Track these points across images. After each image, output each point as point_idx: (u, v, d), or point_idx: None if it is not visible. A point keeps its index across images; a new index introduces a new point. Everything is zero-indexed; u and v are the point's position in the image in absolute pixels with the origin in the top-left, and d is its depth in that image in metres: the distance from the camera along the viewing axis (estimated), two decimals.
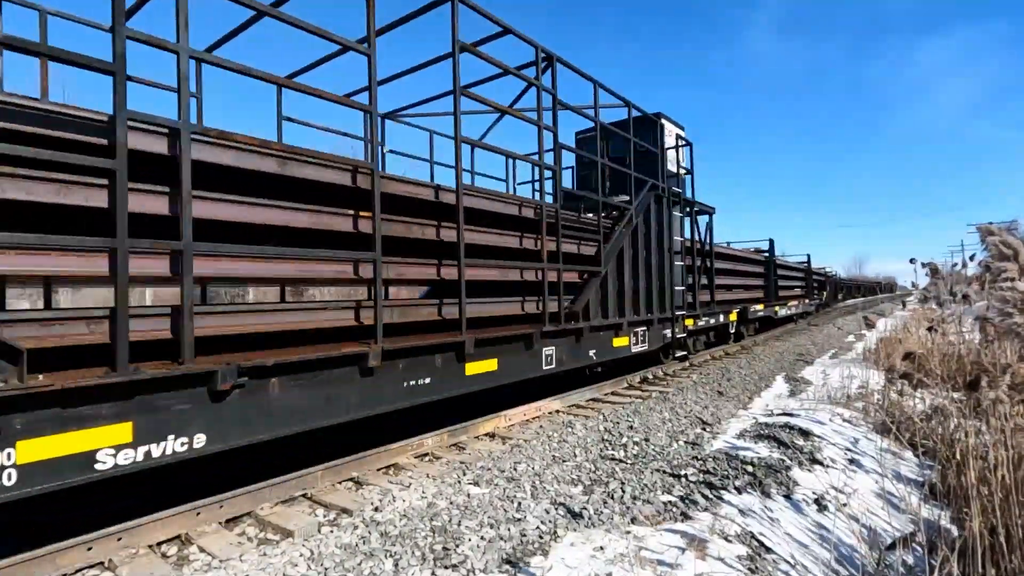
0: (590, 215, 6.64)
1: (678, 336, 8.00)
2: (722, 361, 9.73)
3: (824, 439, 4.32)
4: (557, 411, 5.88)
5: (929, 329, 5.13)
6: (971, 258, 4.92)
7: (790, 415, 5.11)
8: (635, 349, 6.87)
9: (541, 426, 5.21)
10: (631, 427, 4.92)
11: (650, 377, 7.84)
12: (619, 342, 6.49)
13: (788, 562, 2.48)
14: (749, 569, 2.34)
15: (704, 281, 9.49)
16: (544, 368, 5.18)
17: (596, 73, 6.35)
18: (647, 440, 4.46)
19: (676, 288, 7.84)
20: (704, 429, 4.84)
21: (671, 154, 8.89)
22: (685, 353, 8.84)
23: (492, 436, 4.92)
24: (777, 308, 14.24)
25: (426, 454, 4.35)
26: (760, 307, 12.60)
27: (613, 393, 6.83)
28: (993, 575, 2.10)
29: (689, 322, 8.48)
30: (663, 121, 8.58)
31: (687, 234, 8.96)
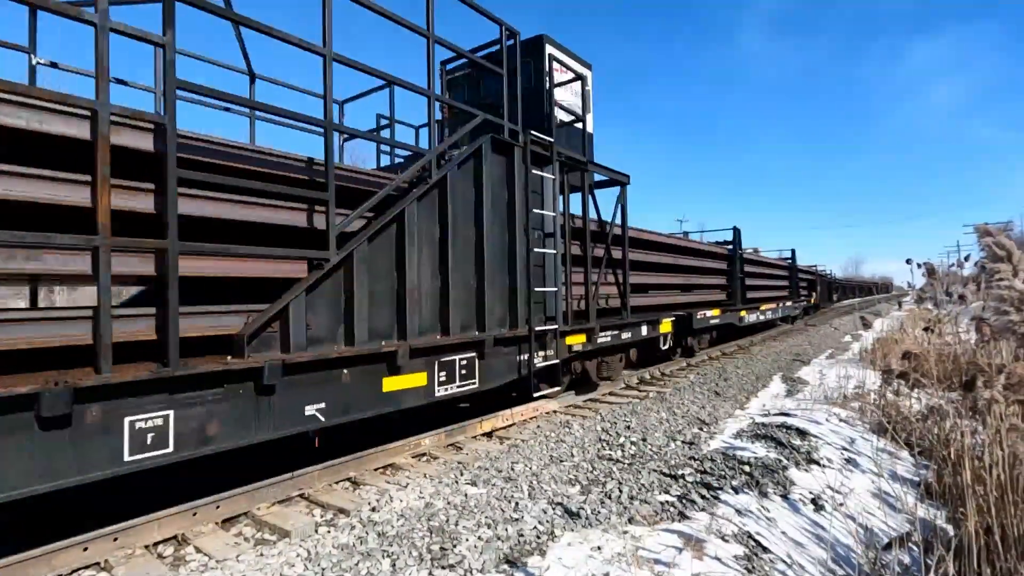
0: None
1: (550, 363, 5.33)
2: (719, 361, 9.76)
3: (821, 439, 4.33)
4: (555, 411, 5.88)
5: (925, 329, 5.14)
6: (966, 258, 4.93)
7: (787, 415, 5.12)
8: (443, 392, 4.23)
9: (539, 426, 5.21)
10: (628, 427, 4.92)
11: (647, 377, 7.86)
12: (399, 383, 3.90)
13: (785, 561, 2.49)
14: (746, 569, 2.34)
15: (612, 279, 6.89)
16: (123, 463, 2.52)
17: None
18: (644, 440, 4.47)
19: (544, 290, 5.39)
20: (701, 429, 4.85)
21: (570, 100, 6.30)
22: (558, 388, 5.60)
23: (490, 436, 4.92)
24: (743, 313, 11.50)
25: (424, 454, 4.35)
26: (714, 313, 9.77)
27: (611, 394, 6.85)
28: (989, 574, 2.11)
29: (576, 339, 5.80)
30: (546, 46, 6.22)
31: (581, 211, 6.26)
